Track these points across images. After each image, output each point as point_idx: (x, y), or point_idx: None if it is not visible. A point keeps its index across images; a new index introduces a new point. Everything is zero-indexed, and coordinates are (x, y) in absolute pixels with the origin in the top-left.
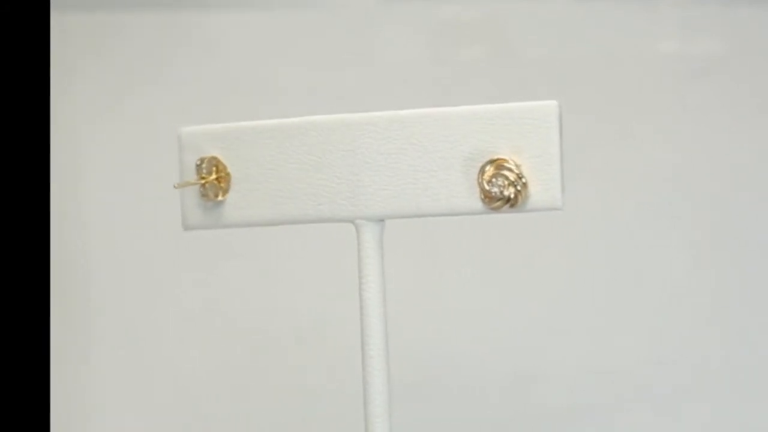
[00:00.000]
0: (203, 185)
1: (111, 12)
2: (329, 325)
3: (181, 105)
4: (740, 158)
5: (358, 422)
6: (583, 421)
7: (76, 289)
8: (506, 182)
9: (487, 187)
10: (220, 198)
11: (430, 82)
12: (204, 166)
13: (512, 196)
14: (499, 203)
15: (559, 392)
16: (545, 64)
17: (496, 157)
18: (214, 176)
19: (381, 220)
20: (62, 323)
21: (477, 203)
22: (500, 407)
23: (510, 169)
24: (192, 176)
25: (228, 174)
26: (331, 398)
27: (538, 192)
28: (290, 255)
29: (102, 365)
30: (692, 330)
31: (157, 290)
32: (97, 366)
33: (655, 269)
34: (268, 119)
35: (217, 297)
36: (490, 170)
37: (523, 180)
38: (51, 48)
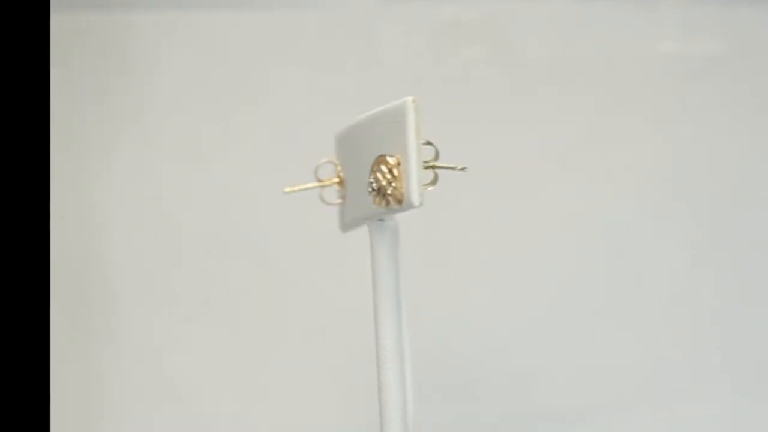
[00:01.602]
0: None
1: (111, 12)
2: (341, 325)
3: (180, 105)
4: (740, 158)
5: (372, 422)
6: (583, 421)
7: (77, 289)
8: (376, 182)
9: (368, 188)
10: (339, 201)
11: (430, 82)
12: (320, 170)
13: (384, 194)
14: (378, 200)
15: (559, 392)
16: (545, 64)
17: (379, 156)
18: (336, 179)
19: (380, 220)
20: (63, 323)
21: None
22: (500, 407)
23: (381, 171)
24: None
25: (342, 178)
26: (342, 398)
27: (403, 189)
28: (297, 254)
29: (102, 365)
30: (692, 330)
31: (159, 290)
32: (98, 366)
33: (655, 269)
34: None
35: (220, 297)
36: (373, 172)
37: (393, 184)
38: (51, 48)
